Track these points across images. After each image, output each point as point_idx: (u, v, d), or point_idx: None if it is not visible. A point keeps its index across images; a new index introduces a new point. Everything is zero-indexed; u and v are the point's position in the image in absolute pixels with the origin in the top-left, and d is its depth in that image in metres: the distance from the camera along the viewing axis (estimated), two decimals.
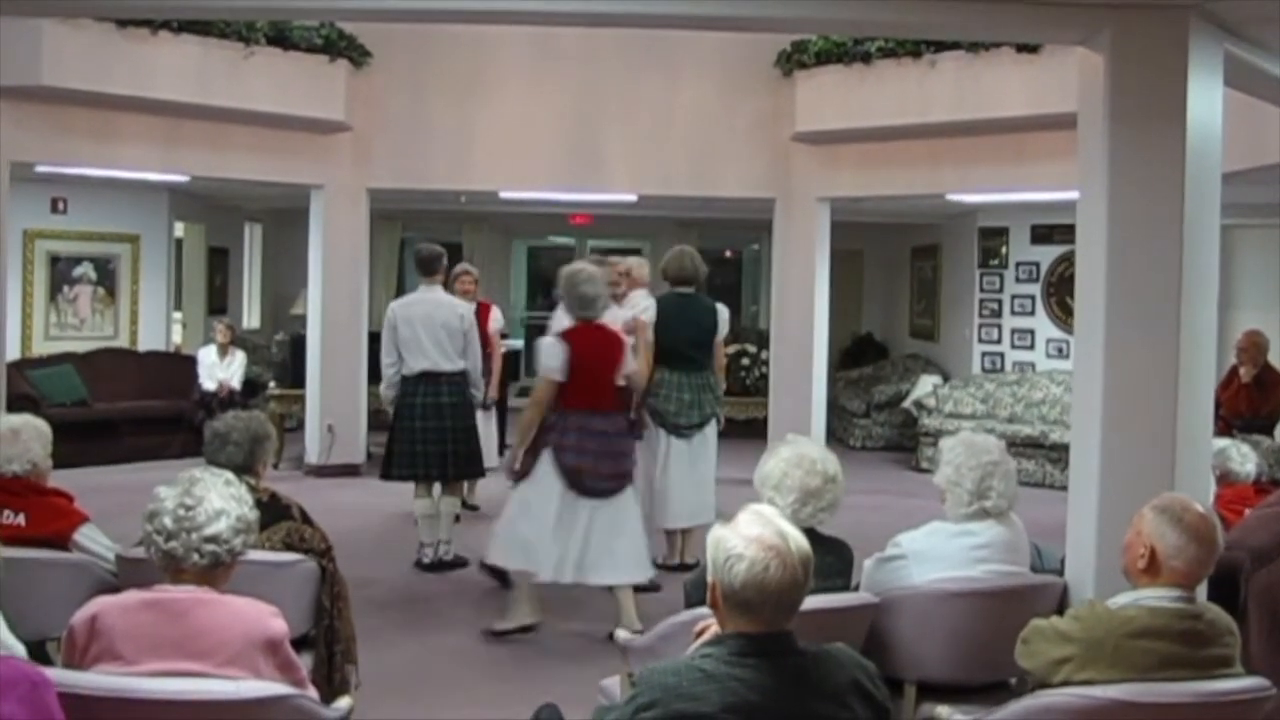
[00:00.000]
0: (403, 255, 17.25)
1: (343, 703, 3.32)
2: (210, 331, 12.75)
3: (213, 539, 3.07)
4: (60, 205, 12.42)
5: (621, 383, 6.55)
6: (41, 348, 12.20)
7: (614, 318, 9.25)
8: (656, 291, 8.15)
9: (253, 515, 3.22)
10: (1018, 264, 13.16)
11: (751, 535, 2.56)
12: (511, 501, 6.44)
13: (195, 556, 3.06)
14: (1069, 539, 4.59)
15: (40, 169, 10.28)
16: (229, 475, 3.29)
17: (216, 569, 3.09)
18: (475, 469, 8.20)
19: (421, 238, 16.88)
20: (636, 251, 15.63)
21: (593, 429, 6.29)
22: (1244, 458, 5.65)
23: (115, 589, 3.42)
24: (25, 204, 11.14)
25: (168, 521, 3.07)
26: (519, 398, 15.65)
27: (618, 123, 11.03)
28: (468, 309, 8.03)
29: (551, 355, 6.28)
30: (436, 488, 7.98)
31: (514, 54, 10.75)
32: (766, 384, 11.78)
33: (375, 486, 10.17)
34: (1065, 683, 3.17)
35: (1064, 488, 4.92)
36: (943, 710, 3.63)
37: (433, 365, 7.73)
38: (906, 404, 13.36)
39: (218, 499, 3.13)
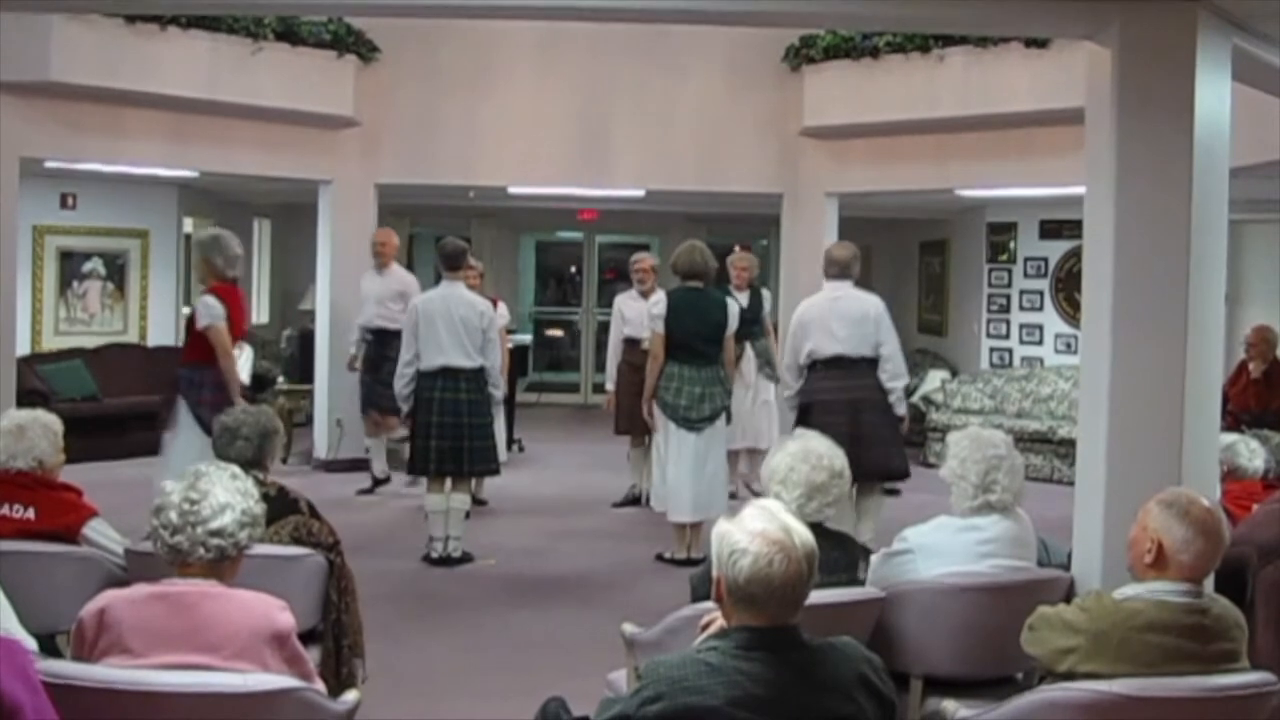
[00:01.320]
0: (411, 250, 17.26)
1: (350, 696, 3.33)
2: None
3: (218, 533, 3.08)
4: (69, 201, 12.44)
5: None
6: (51, 343, 12.23)
7: (637, 312, 9.32)
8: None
9: (259, 509, 3.23)
10: (1026, 259, 13.14)
11: (756, 530, 2.57)
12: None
13: (201, 550, 3.07)
14: (1075, 534, 4.58)
15: (49, 165, 10.29)
16: (235, 469, 3.30)
17: (223, 562, 3.10)
18: (491, 465, 8.17)
19: (430, 232, 16.93)
20: (645, 247, 15.63)
21: (225, 383, 6.96)
22: (1252, 453, 5.63)
23: (124, 582, 3.44)
24: (35, 200, 11.15)
25: (173, 516, 3.08)
26: (526, 393, 15.75)
27: (625, 118, 11.03)
28: (487, 305, 8.00)
29: (216, 306, 6.98)
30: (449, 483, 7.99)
31: (521, 49, 10.75)
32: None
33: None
34: (1070, 673, 3.18)
35: (1071, 483, 4.91)
36: (949, 704, 3.63)
37: (450, 361, 7.70)
38: (914, 399, 13.33)
39: (223, 493, 3.14)
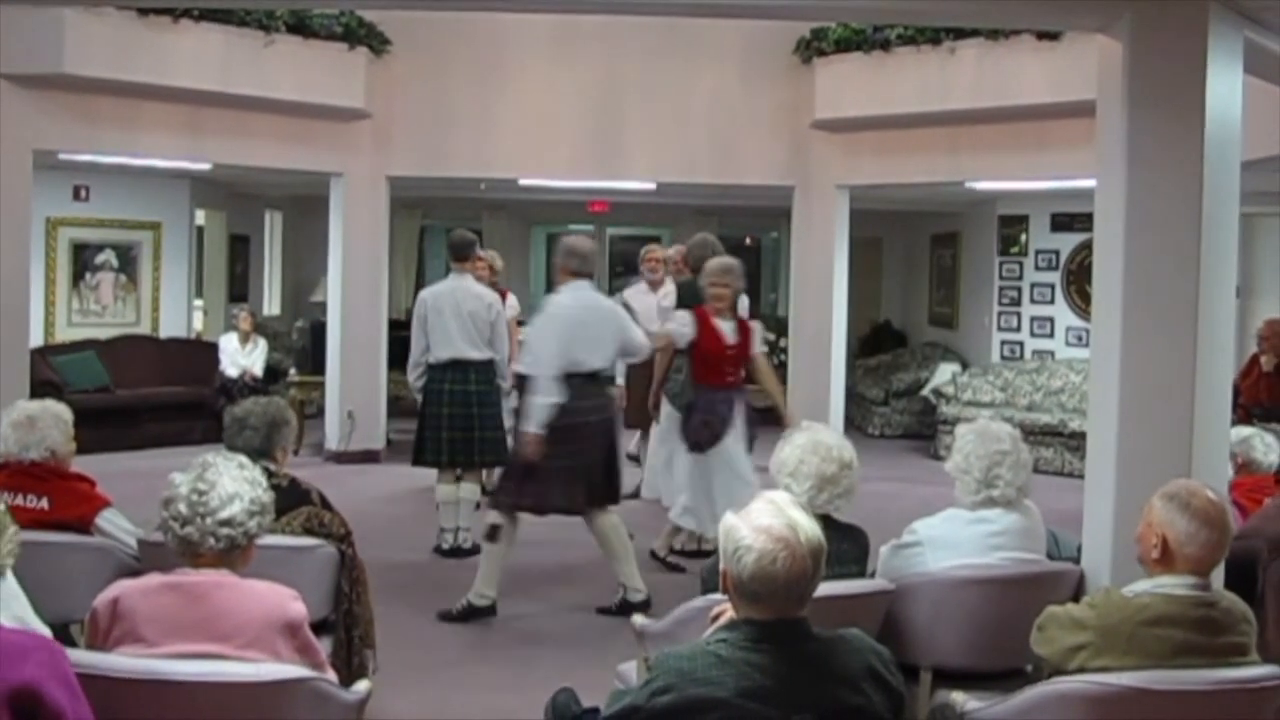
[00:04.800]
0: (422, 242, 17.28)
1: (361, 685, 3.34)
2: (231, 319, 12.82)
3: (227, 522, 3.09)
4: (82, 193, 12.48)
5: None
6: (64, 334, 12.28)
7: (646, 305, 9.31)
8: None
9: (267, 497, 3.24)
10: (1037, 252, 13.12)
11: (762, 526, 2.57)
12: None
13: (211, 540, 3.08)
14: (1085, 527, 4.59)
15: (63, 157, 10.33)
16: (243, 458, 3.30)
17: (233, 552, 3.11)
18: (501, 456, 8.17)
19: (441, 225, 16.94)
20: (656, 239, 15.64)
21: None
22: (1268, 447, 5.62)
23: (137, 572, 3.45)
24: (48, 192, 11.20)
25: (182, 507, 3.09)
26: None
27: (638, 110, 11.03)
28: (495, 298, 8.03)
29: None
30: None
31: (534, 41, 10.75)
32: (785, 371, 11.77)
33: (394, 472, 10.26)
34: (1080, 670, 3.18)
35: (1082, 476, 4.91)
36: (958, 697, 3.63)
37: (459, 353, 7.72)
38: (925, 392, 13.34)
39: (230, 483, 3.15)
